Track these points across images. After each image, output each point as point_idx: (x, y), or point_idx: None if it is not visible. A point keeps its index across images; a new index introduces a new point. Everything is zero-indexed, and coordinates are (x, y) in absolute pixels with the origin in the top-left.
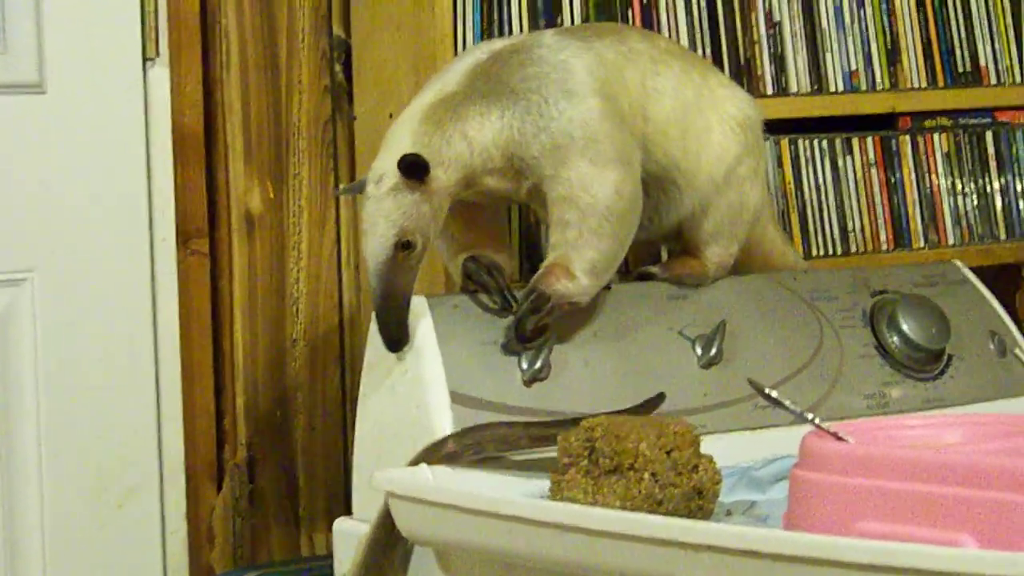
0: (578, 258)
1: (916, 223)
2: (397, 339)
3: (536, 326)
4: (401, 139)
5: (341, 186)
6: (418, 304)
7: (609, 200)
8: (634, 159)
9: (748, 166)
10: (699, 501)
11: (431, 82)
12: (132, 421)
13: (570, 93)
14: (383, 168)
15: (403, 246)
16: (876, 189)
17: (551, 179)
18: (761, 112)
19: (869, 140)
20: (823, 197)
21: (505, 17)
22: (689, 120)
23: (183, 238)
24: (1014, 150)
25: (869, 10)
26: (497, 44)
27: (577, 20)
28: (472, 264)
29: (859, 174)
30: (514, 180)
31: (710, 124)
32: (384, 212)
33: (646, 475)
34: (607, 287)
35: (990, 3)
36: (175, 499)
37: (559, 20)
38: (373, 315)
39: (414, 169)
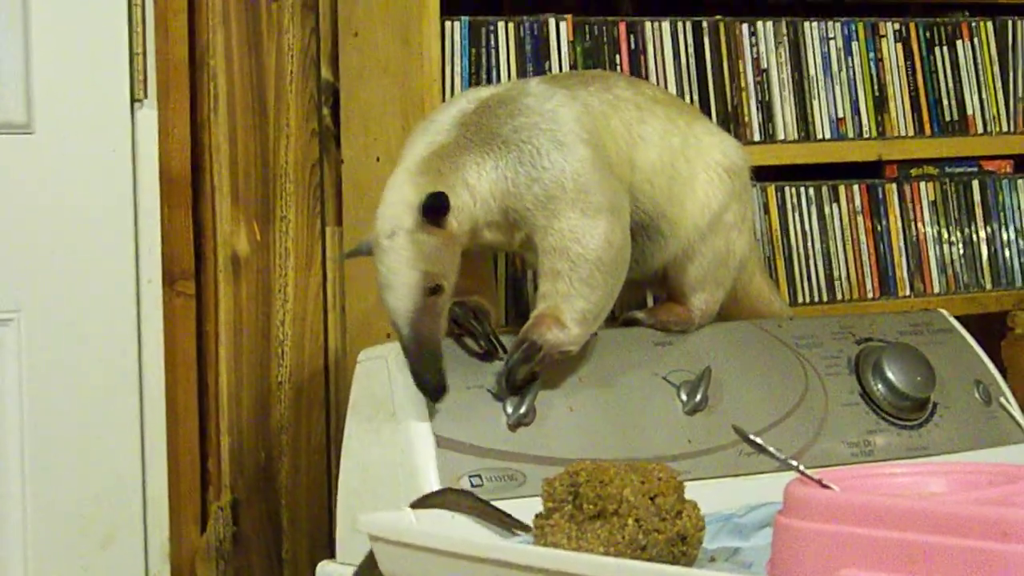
0: (568, 308)
1: (902, 271)
2: (438, 386)
3: (527, 375)
4: (403, 191)
5: (346, 250)
6: None
7: (599, 250)
8: (623, 207)
9: (735, 213)
10: (683, 547)
11: (418, 134)
12: (116, 462)
13: (560, 143)
14: (393, 220)
15: (432, 291)
16: (862, 237)
17: (543, 230)
18: (748, 159)
19: (856, 188)
20: (809, 244)
21: (493, 62)
22: (675, 167)
23: (169, 279)
24: (1000, 199)
25: (857, 58)
26: (483, 92)
27: (565, 66)
28: (459, 309)
29: (845, 222)
30: (508, 232)
31: (696, 171)
32: (406, 260)
33: (630, 521)
34: (593, 333)
35: (977, 52)
36: (158, 541)
37: (547, 66)
38: (362, 361)
39: (438, 208)
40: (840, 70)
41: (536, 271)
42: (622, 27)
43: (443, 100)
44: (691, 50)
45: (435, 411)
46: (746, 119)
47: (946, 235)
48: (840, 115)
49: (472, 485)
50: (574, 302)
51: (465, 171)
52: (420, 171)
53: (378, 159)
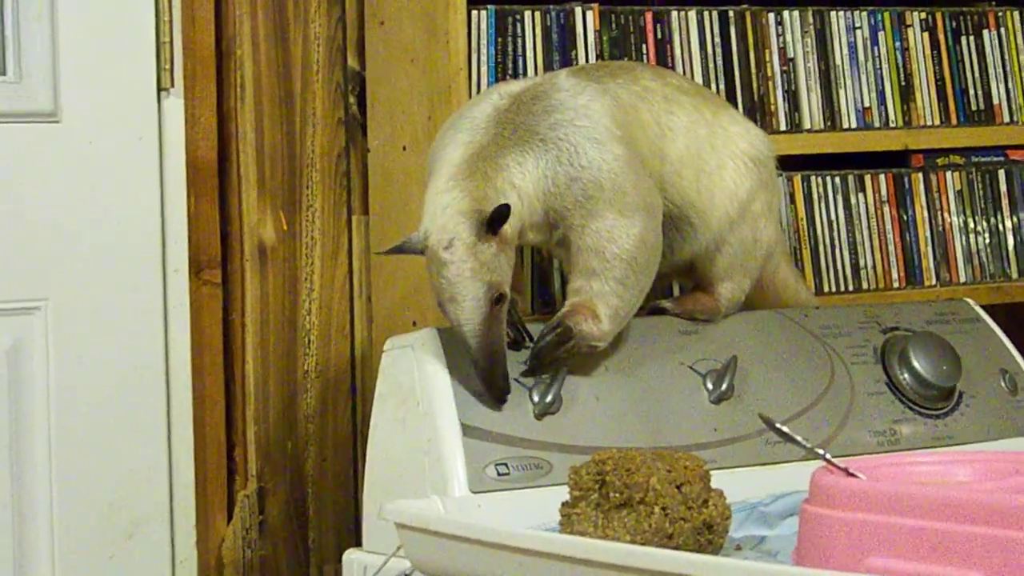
0: (603, 304)
1: (928, 260)
2: (505, 390)
3: (554, 359)
4: (452, 196)
5: (385, 246)
6: (429, 336)
7: (634, 250)
8: (657, 206)
9: (762, 202)
10: (709, 536)
11: (453, 131)
12: (143, 451)
13: (597, 141)
14: (449, 230)
15: (496, 300)
16: (888, 226)
17: (580, 228)
18: (774, 148)
19: (882, 177)
20: (835, 234)
21: (519, 52)
22: (703, 158)
23: (196, 268)
24: None
25: (883, 48)
26: (514, 87)
27: (592, 55)
28: None
29: (871, 211)
30: (548, 231)
31: (723, 161)
32: (469, 273)
33: (656, 509)
34: None
35: (1004, 42)
36: (185, 529)
37: (573, 55)
38: (388, 350)
39: (503, 220)
40: (866, 59)
41: (567, 264)
42: (648, 16)
43: (469, 89)
44: (718, 39)
45: (461, 399)
46: (772, 108)
47: (972, 224)
48: (866, 104)
49: (499, 474)
50: (608, 299)
51: (510, 172)
52: (465, 175)
53: (404, 148)
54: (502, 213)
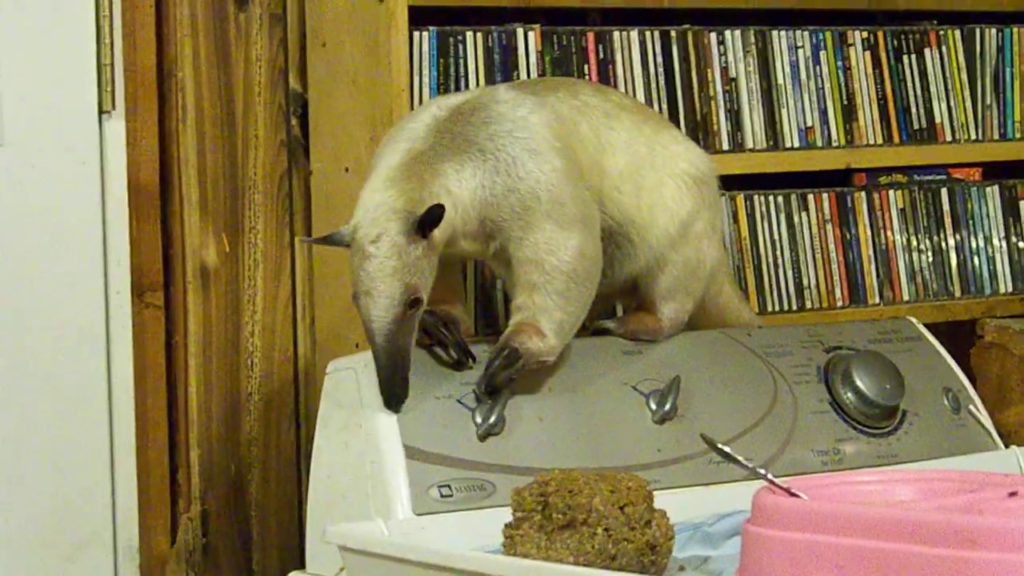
0: (546, 319)
1: (871, 279)
2: (401, 396)
3: (506, 381)
4: (386, 195)
5: (302, 238)
6: (371, 359)
7: (574, 262)
8: (595, 218)
9: (704, 222)
10: (652, 556)
11: (392, 140)
12: (85, 474)
13: (534, 152)
14: (378, 225)
15: (412, 303)
16: (831, 245)
17: (518, 240)
18: (716, 168)
19: (824, 196)
20: (778, 253)
21: (462, 72)
22: (642, 175)
23: (138, 291)
24: (969, 207)
25: (825, 67)
26: (453, 100)
27: (533, 75)
28: (429, 318)
29: (814, 230)
30: (484, 242)
31: (663, 180)
32: (390, 270)
33: (599, 530)
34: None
35: (945, 61)
36: (128, 552)
37: (515, 75)
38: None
39: (435, 220)
40: (808, 79)
41: (507, 282)
42: (590, 36)
43: (411, 109)
44: (659, 59)
45: (404, 421)
46: (715, 128)
47: (915, 243)
48: (809, 124)
49: (442, 496)
50: (552, 313)
51: (446, 178)
52: (401, 176)
53: (347, 169)
54: (435, 215)
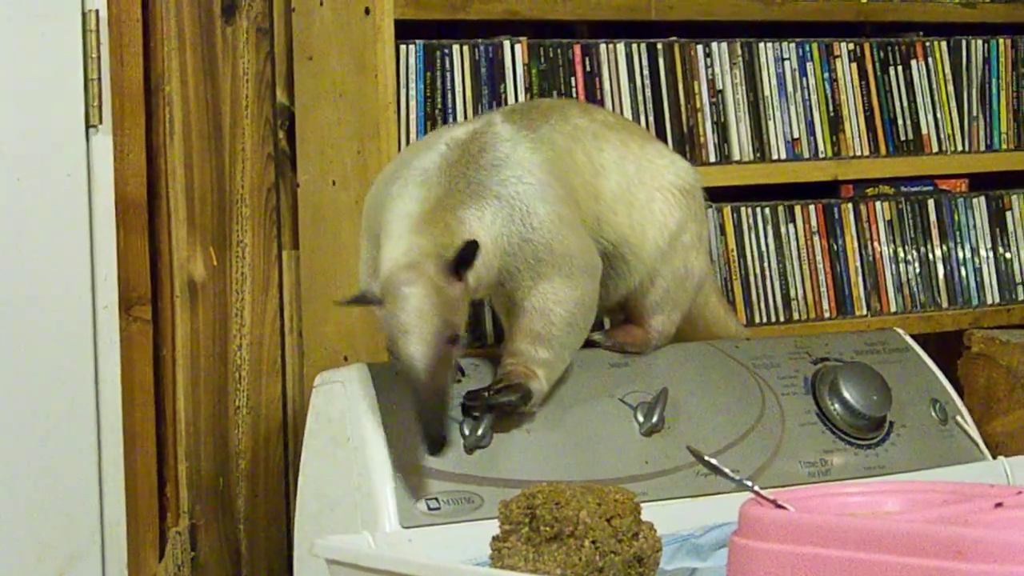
0: (545, 370)
1: (858, 291)
2: (444, 438)
3: (507, 413)
4: (415, 240)
5: (337, 301)
6: (359, 372)
7: (576, 313)
8: (598, 266)
9: (691, 234)
10: (640, 569)
11: (404, 182)
12: (73, 488)
13: (545, 201)
14: (412, 269)
15: (452, 340)
16: (818, 257)
17: (527, 289)
18: (700, 179)
19: (811, 208)
20: (766, 265)
21: (448, 85)
22: (633, 192)
23: (125, 305)
24: (956, 218)
25: (811, 79)
26: (458, 133)
27: (521, 89)
28: None
29: (801, 242)
30: (497, 290)
31: (652, 194)
32: (429, 307)
33: (587, 543)
34: None
35: (932, 72)
36: (117, 567)
37: (502, 88)
38: (319, 385)
39: (470, 258)
40: (795, 91)
41: (504, 322)
42: (577, 49)
43: (398, 123)
44: (646, 72)
45: (392, 435)
46: (702, 140)
47: (902, 254)
48: (795, 135)
49: (430, 508)
50: (551, 365)
51: (471, 225)
52: (426, 223)
53: (334, 183)
54: (469, 252)
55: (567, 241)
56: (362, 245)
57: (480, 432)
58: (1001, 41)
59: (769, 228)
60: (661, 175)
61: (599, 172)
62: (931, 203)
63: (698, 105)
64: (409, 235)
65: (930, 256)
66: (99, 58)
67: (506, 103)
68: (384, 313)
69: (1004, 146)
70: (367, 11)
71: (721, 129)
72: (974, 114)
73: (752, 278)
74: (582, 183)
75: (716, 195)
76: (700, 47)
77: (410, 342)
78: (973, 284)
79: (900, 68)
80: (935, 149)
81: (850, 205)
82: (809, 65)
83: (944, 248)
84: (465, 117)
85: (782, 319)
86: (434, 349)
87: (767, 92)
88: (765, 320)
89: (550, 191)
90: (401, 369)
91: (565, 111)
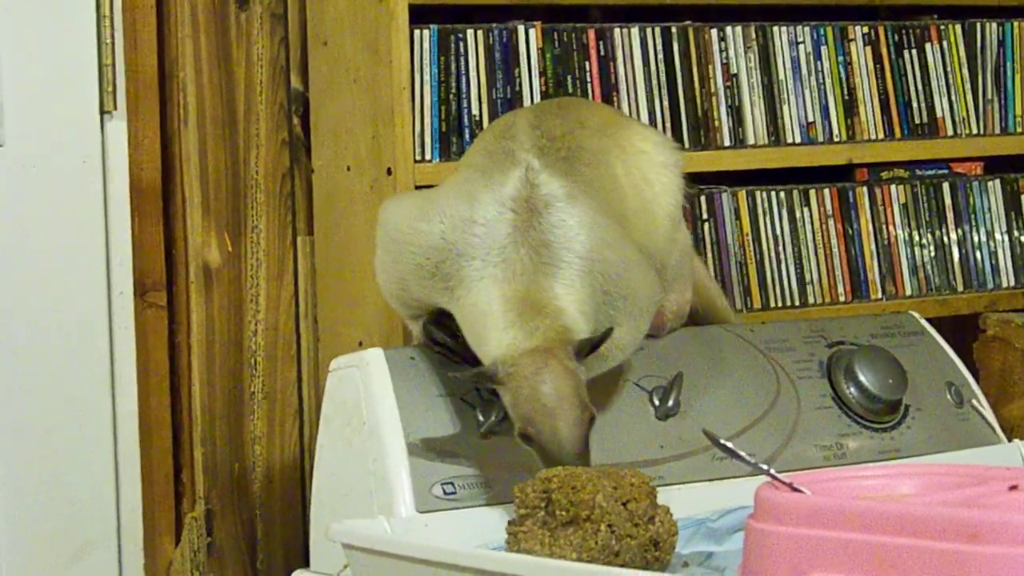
0: None
1: (873, 274)
2: None
3: None
4: (531, 324)
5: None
6: (374, 357)
7: (630, 350)
8: (660, 296)
9: (680, 204)
10: (656, 552)
11: (485, 264)
12: (89, 474)
13: (612, 247)
14: (545, 352)
15: (591, 420)
16: (833, 240)
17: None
18: (677, 144)
19: (826, 192)
20: (781, 248)
21: (462, 70)
22: (641, 194)
23: (140, 291)
24: (971, 201)
25: (826, 63)
26: (507, 191)
27: (535, 73)
28: (434, 326)
29: (816, 225)
30: None
31: (653, 185)
32: (571, 388)
33: (602, 526)
34: None
35: (946, 55)
36: (133, 553)
37: (516, 72)
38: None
39: (603, 341)
40: (809, 74)
41: None
42: (591, 34)
43: (412, 108)
44: (660, 56)
45: (407, 419)
46: (716, 124)
47: (917, 238)
48: (810, 119)
49: (445, 493)
50: None
51: (565, 301)
52: (529, 305)
53: (348, 168)
54: (604, 337)
55: (635, 284)
56: (388, 270)
57: (495, 417)
58: (1016, 24)
59: (784, 212)
60: (654, 159)
61: (623, 196)
62: (946, 186)
63: (712, 89)
64: (519, 320)
65: (945, 239)
66: (113, 44)
67: (520, 87)
68: (516, 397)
69: (1019, 129)
70: None
71: (736, 113)
72: (989, 97)
73: (767, 262)
74: (619, 213)
75: (731, 179)
76: (714, 31)
77: (559, 428)
78: (988, 267)
79: (915, 51)
80: (950, 132)
81: (865, 189)
82: (824, 49)
83: (959, 231)
84: (480, 102)
85: (797, 303)
86: (581, 429)
87: (782, 76)
88: (780, 304)
89: (612, 234)
90: (544, 454)
91: (575, 136)
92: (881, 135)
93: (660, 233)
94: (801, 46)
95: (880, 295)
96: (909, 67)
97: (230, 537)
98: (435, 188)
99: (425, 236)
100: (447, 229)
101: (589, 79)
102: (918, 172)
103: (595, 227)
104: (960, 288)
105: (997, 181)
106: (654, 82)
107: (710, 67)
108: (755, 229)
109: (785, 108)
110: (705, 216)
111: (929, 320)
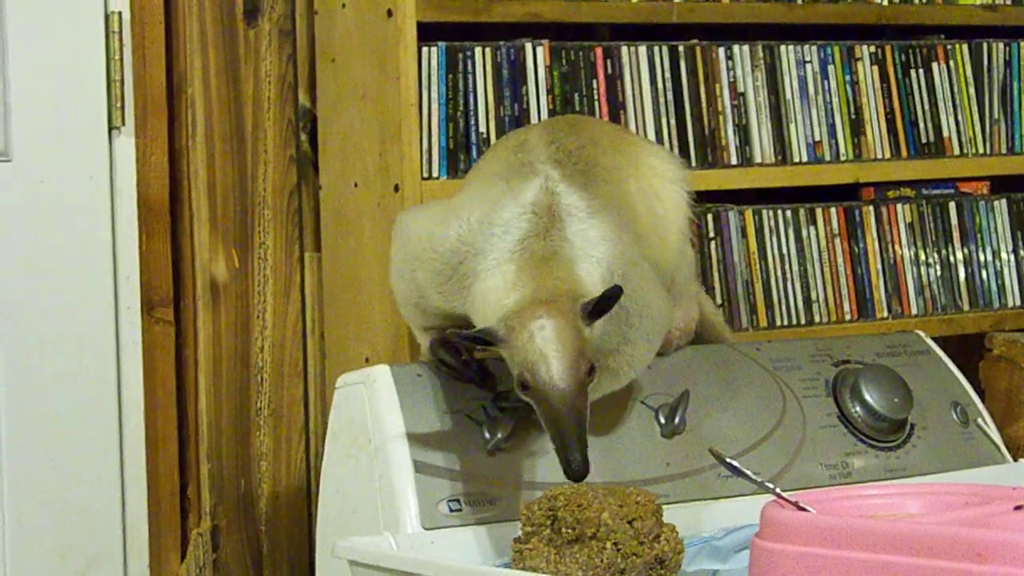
0: None
1: (879, 293)
2: (586, 463)
3: None
4: (542, 283)
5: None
6: (381, 373)
7: (642, 367)
8: (672, 317)
9: (689, 218)
10: (661, 570)
11: (500, 259)
12: (96, 490)
13: (632, 264)
14: (550, 303)
15: (590, 371)
16: (840, 259)
17: (609, 352)
18: (683, 161)
19: (833, 211)
20: (787, 267)
21: (470, 88)
22: (653, 211)
23: (148, 307)
24: (977, 220)
25: (833, 82)
26: (526, 196)
27: (542, 92)
28: (440, 347)
29: (823, 244)
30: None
31: (663, 201)
32: (571, 336)
33: (608, 544)
34: None
35: (953, 75)
36: (139, 568)
37: (524, 91)
38: (340, 387)
39: (613, 302)
40: (816, 93)
41: None
42: (599, 52)
43: (420, 125)
44: (668, 74)
45: (413, 436)
46: (723, 143)
47: (923, 257)
48: (817, 138)
49: (451, 510)
50: None
51: (586, 277)
52: (538, 271)
53: (356, 185)
54: (614, 295)
55: (652, 305)
56: (406, 278)
57: (501, 434)
58: (1022, 43)
59: (790, 230)
60: (663, 175)
61: (637, 214)
62: (952, 206)
63: (719, 108)
64: (530, 280)
65: (951, 259)
66: (122, 60)
67: (527, 105)
68: (515, 346)
69: None
70: (389, 13)
71: (742, 132)
72: (995, 116)
73: (773, 280)
74: (635, 231)
75: (737, 198)
76: (722, 50)
77: (552, 366)
78: (994, 287)
79: (921, 71)
80: (956, 152)
81: (871, 208)
82: (830, 68)
83: (965, 251)
84: (487, 119)
85: (803, 321)
86: (579, 377)
87: (788, 95)
88: (786, 323)
89: (632, 252)
90: (540, 397)
91: (589, 151)
92: (888, 154)
93: (671, 248)
94: (808, 65)
95: (886, 314)
96: (916, 86)
97: (236, 553)
98: (451, 196)
99: (442, 241)
100: (464, 232)
101: (596, 97)
102: (924, 191)
103: (616, 242)
104: (966, 307)
105: (1003, 201)
106: (661, 100)
107: (717, 86)
108: (761, 248)
109: (792, 127)
110: (712, 234)
111: (935, 339)
